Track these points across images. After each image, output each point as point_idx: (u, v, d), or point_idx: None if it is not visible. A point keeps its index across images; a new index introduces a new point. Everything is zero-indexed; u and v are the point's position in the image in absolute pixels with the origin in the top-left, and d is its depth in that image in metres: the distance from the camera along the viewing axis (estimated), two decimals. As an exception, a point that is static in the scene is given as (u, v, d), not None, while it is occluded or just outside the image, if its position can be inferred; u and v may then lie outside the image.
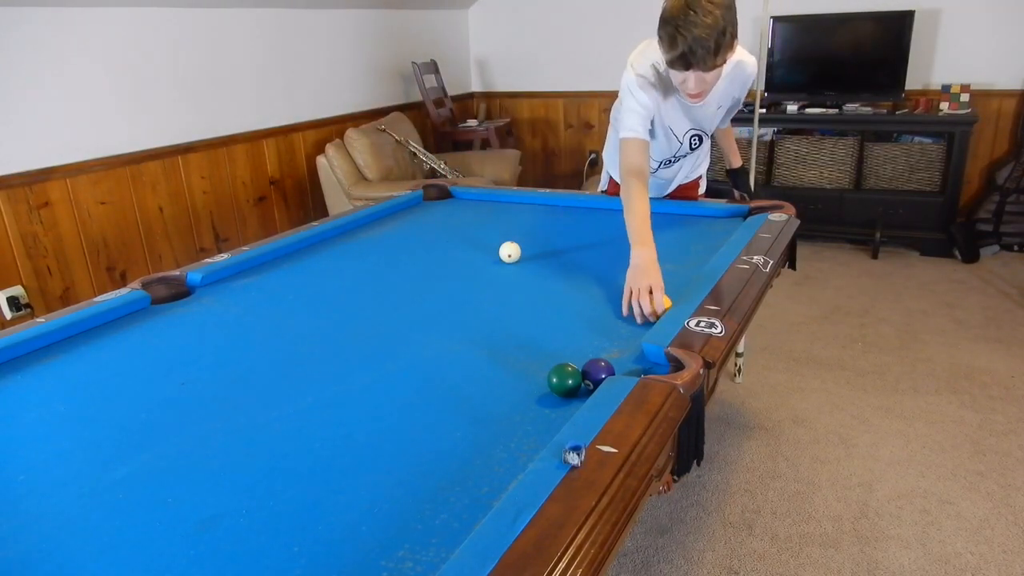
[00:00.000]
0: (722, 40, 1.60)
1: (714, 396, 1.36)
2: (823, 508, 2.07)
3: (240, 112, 3.64)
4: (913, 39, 3.98)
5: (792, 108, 4.30)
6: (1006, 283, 3.67)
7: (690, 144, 2.13)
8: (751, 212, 2.19)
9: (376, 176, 3.86)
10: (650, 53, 1.86)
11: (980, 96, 4.04)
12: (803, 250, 4.17)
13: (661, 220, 2.24)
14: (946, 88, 3.97)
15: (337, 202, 3.93)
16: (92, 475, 1.07)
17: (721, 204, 2.30)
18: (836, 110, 4.20)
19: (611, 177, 2.45)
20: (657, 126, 2.03)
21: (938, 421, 2.48)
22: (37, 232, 2.87)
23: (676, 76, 1.72)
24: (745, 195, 2.42)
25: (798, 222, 2.06)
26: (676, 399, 1.11)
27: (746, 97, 2.10)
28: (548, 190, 2.58)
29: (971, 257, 3.99)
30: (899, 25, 3.99)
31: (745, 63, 1.95)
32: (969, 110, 3.92)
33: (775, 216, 2.08)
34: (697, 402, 1.16)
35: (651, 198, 2.21)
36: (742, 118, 4.35)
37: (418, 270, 1.91)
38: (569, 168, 5.41)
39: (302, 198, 4.08)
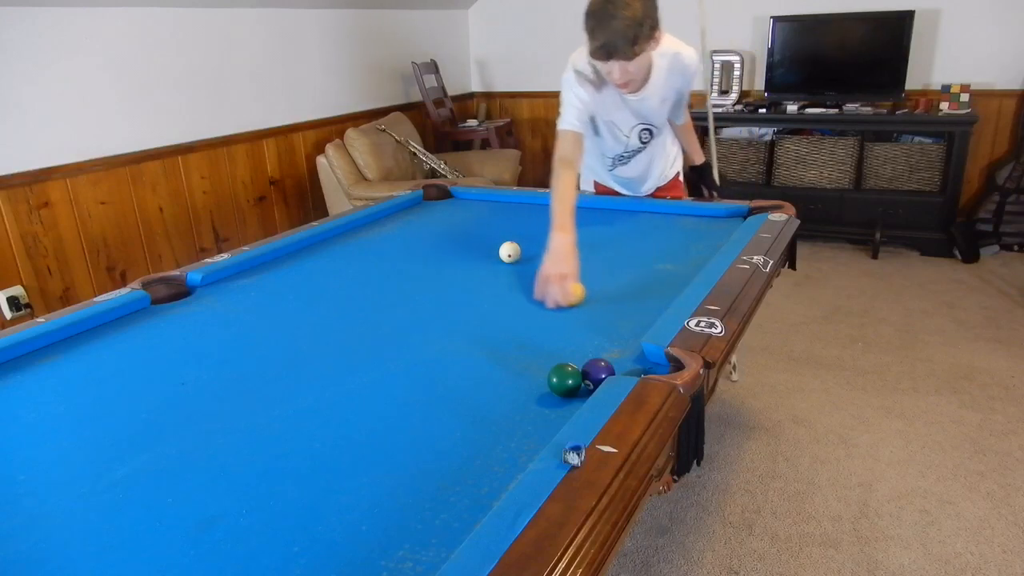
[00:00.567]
0: (640, 31, 1.69)
1: (714, 396, 1.36)
2: (823, 508, 2.07)
3: (240, 112, 3.64)
4: (913, 39, 3.98)
5: (792, 108, 4.30)
6: (1006, 283, 3.67)
7: (640, 138, 2.18)
8: (751, 212, 2.19)
9: (376, 176, 3.86)
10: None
11: (980, 96, 4.03)
12: (803, 250, 4.17)
13: (661, 220, 2.25)
14: (946, 88, 3.97)
15: (337, 202, 3.93)
16: (92, 475, 1.07)
17: (721, 204, 2.31)
18: (836, 110, 4.20)
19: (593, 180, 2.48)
20: (599, 122, 2.11)
21: (938, 421, 2.48)
22: (37, 232, 2.87)
23: (603, 67, 1.82)
24: (714, 192, 2.45)
25: (798, 222, 2.07)
26: (676, 399, 1.11)
27: (691, 90, 2.16)
28: (548, 190, 2.58)
29: (971, 257, 3.99)
30: (899, 25, 3.99)
31: (683, 55, 2.00)
32: (969, 110, 3.92)
33: (775, 216, 2.08)
34: (697, 402, 1.16)
35: (630, 198, 2.28)
36: (742, 118, 4.39)
37: (418, 270, 1.91)
38: (569, 168, 5.40)
39: (302, 198, 4.08)
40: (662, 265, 1.84)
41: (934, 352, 2.97)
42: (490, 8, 5.25)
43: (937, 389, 2.68)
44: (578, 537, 0.82)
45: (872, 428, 2.45)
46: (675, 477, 1.17)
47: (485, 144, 4.93)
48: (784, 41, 4.28)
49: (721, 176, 2.47)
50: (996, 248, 4.09)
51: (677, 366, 1.23)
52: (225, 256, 1.96)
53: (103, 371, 1.41)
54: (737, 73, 4.48)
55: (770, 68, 4.35)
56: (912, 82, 4.10)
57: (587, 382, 1.20)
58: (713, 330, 1.34)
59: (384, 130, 4.06)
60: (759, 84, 4.55)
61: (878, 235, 4.08)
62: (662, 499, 2.11)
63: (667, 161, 2.38)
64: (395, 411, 1.21)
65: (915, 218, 4.10)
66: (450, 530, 0.89)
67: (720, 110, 4.46)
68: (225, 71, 3.54)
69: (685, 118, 2.28)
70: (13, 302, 2.80)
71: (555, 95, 2.04)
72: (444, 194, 2.68)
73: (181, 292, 1.81)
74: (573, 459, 0.93)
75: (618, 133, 2.17)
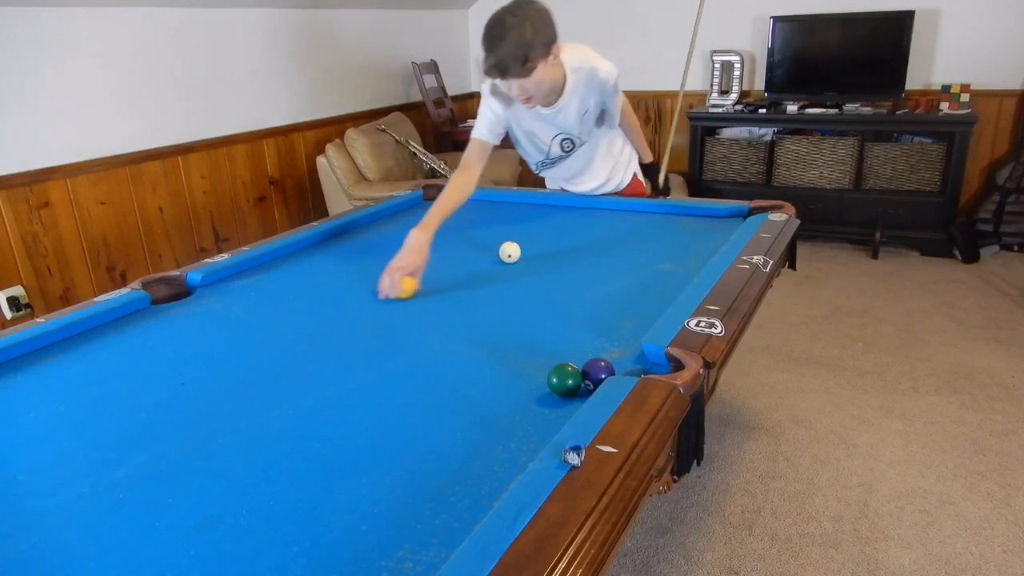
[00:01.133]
0: (530, 50, 1.74)
1: (714, 396, 1.36)
2: (823, 508, 2.07)
3: (240, 112, 3.64)
4: (913, 39, 3.98)
5: (792, 108, 4.30)
6: (1006, 283, 3.67)
7: (561, 147, 2.24)
8: (751, 212, 2.19)
9: (376, 176, 3.86)
10: None
11: (980, 96, 4.03)
12: (803, 250, 4.17)
13: (662, 220, 2.25)
14: (946, 88, 3.97)
15: (337, 202, 3.93)
16: (92, 475, 1.07)
17: (721, 204, 2.31)
18: (836, 110, 4.20)
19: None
20: (517, 132, 2.20)
21: (938, 421, 2.48)
22: (37, 232, 2.87)
23: (501, 84, 1.88)
24: (657, 192, 2.51)
25: (798, 222, 2.07)
26: (676, 399, 1.11)
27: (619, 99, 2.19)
28: (548, 190, 2.58)
29: (971, 257, 3.99)
30: (899, 25, 3.98)
31: (599, 70, 2.04)
32: (969, 110, 3.92)
33: (775, 216, 2.08)
34: (697, 402, 1.16)
35: (631, 199, 2.36)
36: (742, 118, 4.39)
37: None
38: (569, 168, 5.40)
39: (302, 198, 4.08)
40: (662, 265, 1.84)
41: (934, 352, 2.97)
42: (490, 8, 5.21)
43: (937, 389, 2.68)
44: (578, 537, 0.82)
45: (872, 428, 2.45)
46: (675, 477, 1.17)
47: (485, 144, 4.92)
48: (784, 41, 4.28)
49: (666, 181, 2.53)
50: (996, 248, 4.08)
51: (677, 366, 1.23)
52: (225, 256, 1.96)
53: (103, 371, 1.41)
54: (737, 73, 4.48)
55: (770, 68, 4.35)
56: (912, 82, 4.10)
57: (587, 382, 1.20)
58: (713, 330, 1.34)
59: (384, 130, 4.06)
60: (759, 84, 4.55)
61: (878, 235, 4.08)
62: (662, 499, 2.11)
63: (615, 164, 2.39)
64: (395, 411, 1.21)
65: (915, 218, 4.10)
66: (450, 530, 0.89)
67: (720, 110, 4.47)
68: (225, 71, 3.54)
69: (618, 122, 2.31)
70: (13, 302, 2.80)
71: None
72: (444, 194, 2.68)
73: (181, 292, 1.81)
74: (573, 459, 0.93)
75: (538, 142, 2.23)
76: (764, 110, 4.37)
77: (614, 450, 0.97)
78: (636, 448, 0.98)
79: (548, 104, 2.06)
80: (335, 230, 2.27)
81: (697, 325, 1.36)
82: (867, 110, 4.15)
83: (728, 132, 4.56)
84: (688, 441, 1.17)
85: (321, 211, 4.11)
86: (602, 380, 1.18)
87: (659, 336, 1.32)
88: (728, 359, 1.37)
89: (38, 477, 1.07)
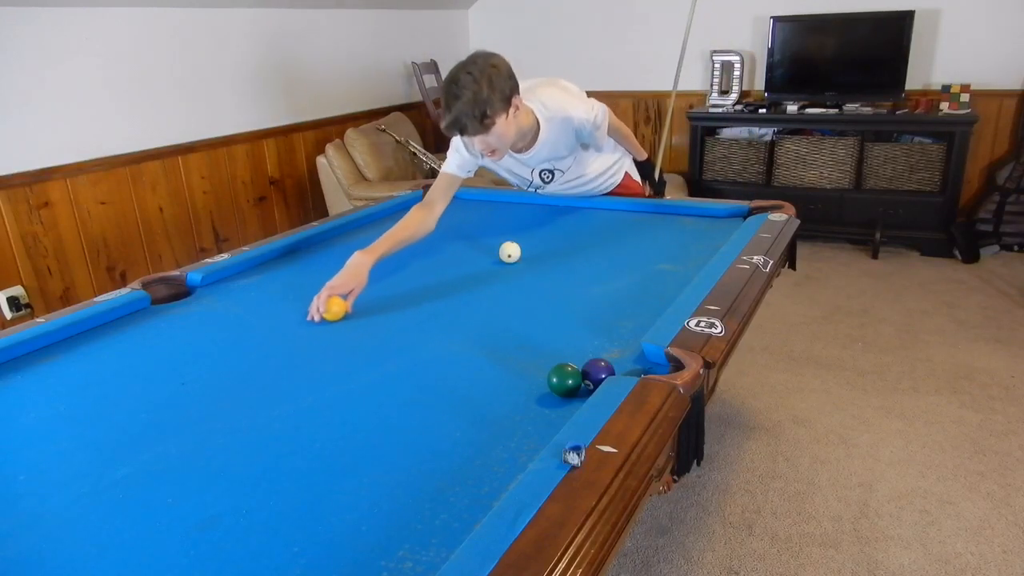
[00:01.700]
0: (487, 107, 1.73)
1: (714, 396, 1.36)
2: (823, 508, 2.07)
3: (240, 112, 3.64)
4: (913, 39, 3.98)
5: (792, 108, 4.30)
6: (1006, 283, 3.67)
7: (541, 178, 2.27)
8: (751, 212, 2.19)
9: (376, 176, 3.86)
10: None
11: (980, 96, 4.03)
12: (803, 250, 4.17)
13: (662, 220, 2.25)
14: (946, 88, 3.96)
15: (337, 202, 3.93)
16: (92, 475, 1.07)
17: (721, 204, 2.31)
18: (836, 110, 4.20)
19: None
20: (498, 168, 2.22)
21: (938, 421, 2.48)
22: (37, 232, 2.87)
23: (465, 140, 1.88)
24: (651, 189, 2.50)
25: (798, 222, 2.07)
26: (676, 399, 1.11)
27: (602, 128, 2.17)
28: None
29: (971, 257, 3.99)
30: (899, 25, 3.98)
31: (572, 117, 2.05)
32: (969, 110, 3.92)
33: (775, 216, 2.08)
34: (697, 402, 1.16)
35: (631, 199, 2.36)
36: (742, 118, 4.39)
37: (418, 270, 1.91)
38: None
39: (302, 198, 4.08)
40: (662, 265, 1.84)
41: (934, 352, 2.97)
42: (490, 8, 5.25)
43: (937, 389, 2.68)
44: (578, 537, 0.82)
45: (872, 428, 2.45)
46: (675, 477, 1.17)
47: (485, 144, 4.92)
48: (784, 41, 4.28)
49: (661, 176, 2.52)
50: (996, 248, 4.08)
51: (677, 366, 1.23)
52: (225, 256, 1.96)
53: (103, 371, 1.41)
54: (737, 73, 4.48)
55: (770, 68, 4.35)
56: (912, 82, 4.10)
57: (587, 382, 1.20)
58: (713, 330, 1.34)
59: (384, 130, 4.06)
60: (759, 84, 4.55)
61: (878, 235, 4.08)
62: (662, 499, 2.11)
63: (604, 171, 2.39)
64: (395, 411, 1.21)
65: (915, 218, 4.10)
66: (450, 530, 0.89)
67: (720, 110, 4.46)
68: (225, 71, 3.54)
69: (603, 148, 2.32)
70: (13, 302, 2.80)
71: (555, 95, 2.05)
72: (444, 194, 2.68)
73: (181, 292, 1.81)
74: (573, 459, 0.93)
75: (519, 177, 2.26)
76: (764, 110, 4.37)
77: (614, 450, 0.97)
78: (636, 448, 0.98)
79: (521, 151, 2.07)
80: (335, 230, 2.27)
81: (697, 325, 1.36)
82: (867, 110, 4.15)
83: (728, 132, 4.56)
84: (688, 441, 1.17)
85: (321, 211, 4.11)
86: (602, 380, 1.18)
87: (659, 336, 1.32)
88: (728, 359, 1.37)
89: (38, 477, 1.07)
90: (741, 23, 4.54)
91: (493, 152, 1.88)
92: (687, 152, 4.63)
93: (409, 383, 1.30)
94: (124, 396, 1.30)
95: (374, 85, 4.51)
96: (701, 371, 1.20)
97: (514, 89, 1.80)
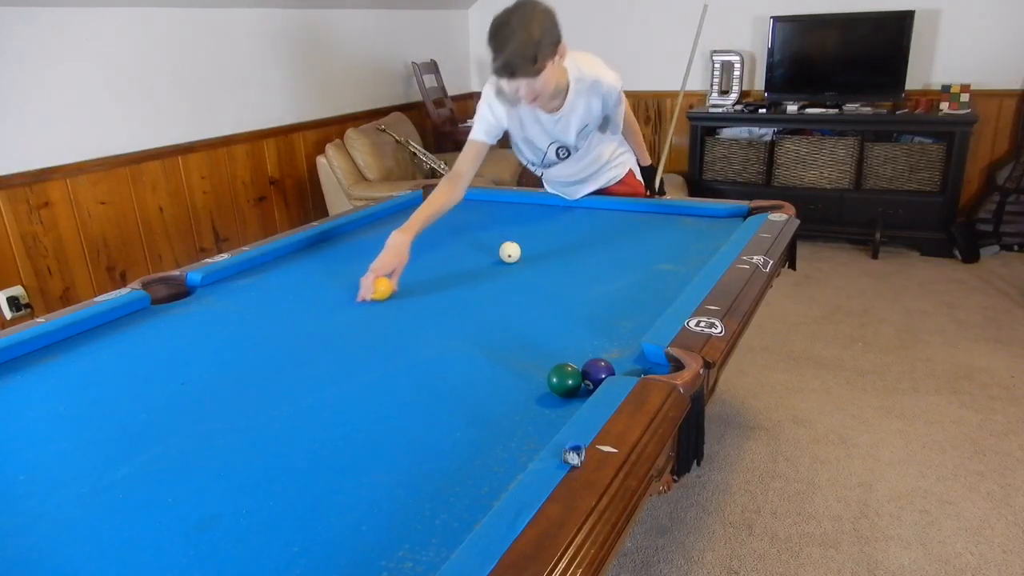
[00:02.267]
0: (539, 49, 1.74)
1: (714, 396, 1.36)
2: (823, 508, 2.07)
3: (240, 112, 3.64)
4: (913, 39, 3.98)
5: (792, 108, 4.30)
6: (1006, 283, 3.67)
7: (557, 154, 2.26)
8: (751, 212, 2.19)
9: (376, 176, 3.86)
10: None
11: (980, 96, 4.03)
12: (803, 250, 4.17)
13: (662, 220, 2.25)
14: (946, 88, 3.96)
15: (337, 202, 3.93)
16: (92, 475, 1.07)
17: (721, 204, 2.31)
18: (836, 110, 4.20)
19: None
20: (516, 136, 2.21)
21: (938, 421, 2.48)
22: (37, 232, 2.87)
23: (509, 86, 1.85)
24: (652, 193, 2.51)
25: (798, 222, 2.07)
26: (676, 399, 1.11)
27: (621, 108, 2.19)
28: (548, 190, 2.58)
29: (971, 257, 3.99)
30: (899, 25, 3.98)
31: (603, 81, 2.05)
32: (969, 110, 3.92)
33: (775, 216, 2.08)
34: (697, 402, 1.16)
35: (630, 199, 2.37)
36: (742, 118, 4.39)
37: (418, 270, 1.91)
38: (569, 168, 5.40)
39: (302, 198, 4.08)
40: (662, 265, 1.84)
41: (934, 352, 2.97)
42: (490, 8, 5.23)
43: (937, 389, 2.68)
44: (578, 537, 0.82)
45: (872, 428, 2.45)
46: (675, 477, 1.17)
47: (485, 144, 4.92)
48: (784, 41, 4.28)
49: (661, 184, 2.54)
50: (996, 248, 4.08)
51: (677, 366, 1.23)
52: (225, 256, 1.96)
53: (103, 371, 1.41)
54: (737, 73, 4.48)
55: (770, 68, 4.35)
56: (912, 82, 4.10)
57: (587, 382, 1.20)
58: (713, 330, 1.34)
59: (384, 130, 4.06)
60: (759, 84, 4.55)
61: (878, 235, 4.08)
62: (662, 499, 2.11)
63: (609, 165, 2.40)
64: (395, 411, 1.21)
65: (915, 218, 4.10)
66: (450, 530, 0.89)
67: (720, 110, 4.47)
68: (225, 71, 3.54)
69: (620, 130, 2.32)
70: (13, 302, 2.80)
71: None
72: (444, 194, 2.67)
73: (181, 292, 1.81)
74: (573, 459, 0.93)
75: (535, 148, 2.25)
76: (764, 110, 4.37)
77: (614, 450, 0.97)
78: (636, 448, 0.98)
79: (551, 110, 2.06)
80: (335, 230, 2.27)
81: (697, 325, 1.36)
82: (867, 110, 4.15)
83: (728, 132, 4.56)
84: (688, 441, 1.17)
85: (321, 211, 4.11)
86: (602, 380, 1.18)
87: (659, 336, 1.32)
88: (728, 359, 1.37)
89: (38, 477, 1.07)
90: (741, 23, 4.54)
91: (535, 99, 1.89)
92: (687, 152, 4.63)
93: (409, 383, 1.30)
94: (124, 396, 1.30)
95: (374, 85, 4.51)
96: (701, 371, 1.20)
97: (560, 36, 1.81)
